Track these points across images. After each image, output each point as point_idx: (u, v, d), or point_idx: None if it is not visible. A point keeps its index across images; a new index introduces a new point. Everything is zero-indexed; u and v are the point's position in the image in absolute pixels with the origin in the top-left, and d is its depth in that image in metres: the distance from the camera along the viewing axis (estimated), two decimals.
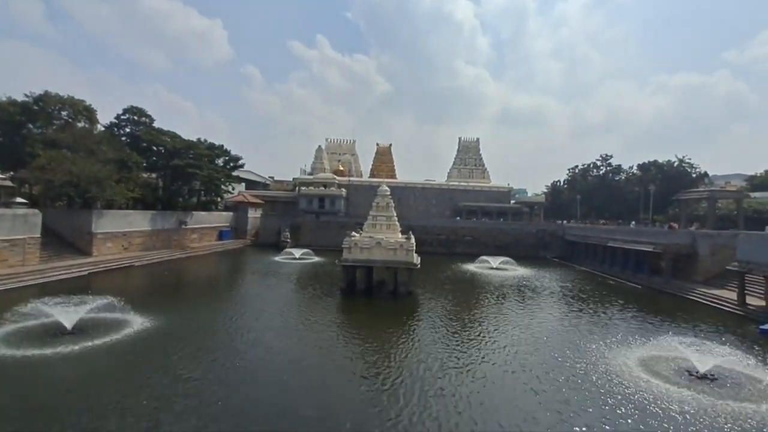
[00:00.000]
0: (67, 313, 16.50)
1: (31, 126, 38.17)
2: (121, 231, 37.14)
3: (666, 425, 10.62)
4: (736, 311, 24.24)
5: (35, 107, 37.52)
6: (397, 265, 26.09)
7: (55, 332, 15.74)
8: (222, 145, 57.40)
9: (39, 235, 28.97)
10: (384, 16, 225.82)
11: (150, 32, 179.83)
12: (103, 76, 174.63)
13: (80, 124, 40.27)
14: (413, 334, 18.25)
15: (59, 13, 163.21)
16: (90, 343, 14.86)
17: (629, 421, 10.81)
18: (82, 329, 16.19)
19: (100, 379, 12.21)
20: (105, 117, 45.97)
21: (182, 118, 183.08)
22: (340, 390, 12.26)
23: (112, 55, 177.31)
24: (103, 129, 43.66)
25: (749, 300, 24.62)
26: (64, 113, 39.94)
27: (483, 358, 15.49)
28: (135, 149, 42.76)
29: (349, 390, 12.27)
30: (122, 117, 45.64)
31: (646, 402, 11.83)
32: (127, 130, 45.84)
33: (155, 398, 11.05)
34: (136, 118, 45.99)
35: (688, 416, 11.08)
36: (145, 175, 46.30)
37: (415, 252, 26.78)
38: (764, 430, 10.52)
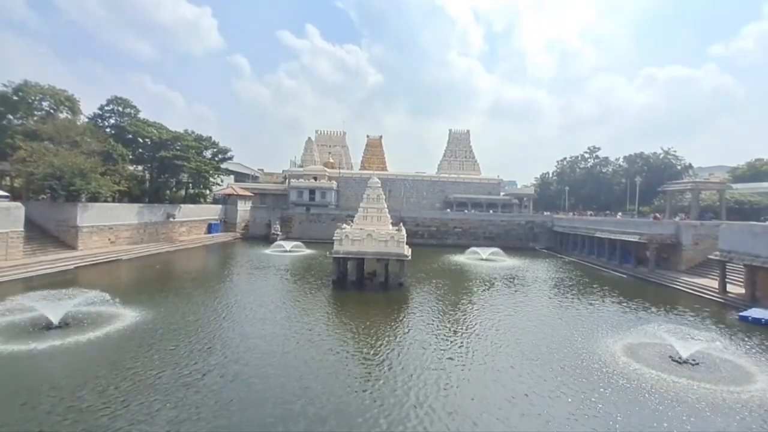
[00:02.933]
0: (53, 307, 16.23)
1: (10, 117, 37.12)
2: (107, 224, 36.52)
3: (649, 408, 10.95)
4: (717, 299, 24.95)
5: (15, 97, 36.45)
6: (388, 257, 26.20)
7: (40, 327, 15.50)
8: (210, 137, 56.61)
9: (22, 229, 28.35)
10: (375, 5, 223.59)
11: (137, 20, 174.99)
12: (87, 67, 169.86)
13: (62, 115, 39.26)
14: (405, 325, 18.41)
15: (42, 0, 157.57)
16: (78, 338, 14.65)
17: (613, 404, 11.12)
18: (69, 323, 15.98)
19: (89, 374, 12.02)
20: (89, 108, 44.80)
21: (170, 110, 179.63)
22: (335, 382, 12.30)
23: (96, 44, 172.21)
24: (86, 120, 42.64)
25: (730, 288, 25.36)
26: (45, 104, 38.89)
27: (473, 347, 15.71)
28: (120, 141, 41.92)
29: (342, 382, 12.34)
30: (106, 108, 44.62)
31: (631, 386, 12.18)
32: (112, 121, 44.89)
33: (146, 392, 10.98)
34: (120, 109, 45.00)
35: (670, 399, 11.44)
36: (131, 168, 45.49)
37: (406, 243, 26.92)
38: (740, 409, 10.93)
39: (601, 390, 12.01)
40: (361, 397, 11.16)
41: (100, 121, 44.17)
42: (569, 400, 11.40)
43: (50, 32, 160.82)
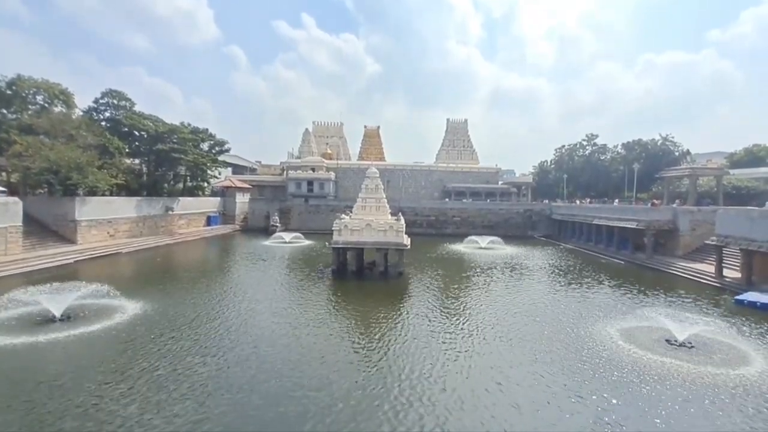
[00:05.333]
0: (54, 301, 16.30)
1: (5, 111, 36.81)
2: (106, 218, 36.49)
3: (645, 390, 11.16)
4: (714, 283, 25.21)
5: (8, 91, 36.10)
6: (388, 247, 26.32)
7: (42, 320, 15.59)
8: (207, 129, 56.10)
9: (20, 224, 28.29)
10: None
11: (131, 12, 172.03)
12: (81, 60, 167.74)
13: (57, 109, 38.90)
14: (405, 313, 18.58)
15: None
16: (80, 330, 14.76)
17: (610, 386, 11.32)
18: (71, 316, 16.07)
19: (93, 366, 12.10)
20: (83, 102, 44.29)
21: (166, 103, 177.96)
22: (337, 371, 12.47)
23: (89, 37, 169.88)
24: (81, 114, 42.26)
25: (726, 272, 25.61)
26: (39, 98, 38.52)
27: (472, 333, 15.90)
28: (116, 134, 41.62)
29: (345, 371, 12.51)
30: (101, 101, 44.14)
31: (627, 369, 12.38)
32: (107, 114, 44.44)
33: (151, 384, 11.10)
34: (115, 102, 44.53)
35: (666, 381, 11.66)
36: (128, 161, 45.26)
37: (405, 233, 27.01)
38: (735, 391, 11.15)
39: (598, 373, 12.20)
40: (359, 384, 11.34)
41: (95, 114, 43.72)
42: (566, 383, 11.58)
43: (43, 26, 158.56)
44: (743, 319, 17.73)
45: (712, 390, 11.19)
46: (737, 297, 21.11)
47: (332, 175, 67.07)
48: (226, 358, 12.88)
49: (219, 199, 58.10)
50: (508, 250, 40.95)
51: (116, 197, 40.94)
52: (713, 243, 26.03)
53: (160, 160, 48.51)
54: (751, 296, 20.58)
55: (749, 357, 13.50)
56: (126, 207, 39.70)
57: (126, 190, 44.41)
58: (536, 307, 19.99)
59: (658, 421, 9.69)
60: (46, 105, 38.57)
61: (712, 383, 11.55)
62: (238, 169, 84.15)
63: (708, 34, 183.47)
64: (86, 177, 33.43)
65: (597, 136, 78.47)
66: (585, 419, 9.71)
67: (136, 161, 49.13)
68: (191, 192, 55.02)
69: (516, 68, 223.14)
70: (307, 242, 42.97)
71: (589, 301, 21.41)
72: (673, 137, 67.78)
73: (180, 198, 48.60)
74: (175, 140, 47.02)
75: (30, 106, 38.03)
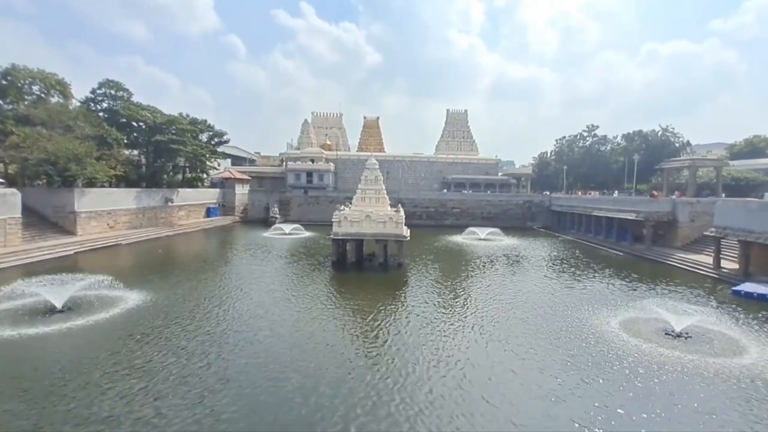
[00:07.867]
0: (55, 292, 16.37)
1: (0, 102, 36.48)
2: (105, 209, 36.45)
3: (643, 380, 11.29)
4: (712, 274, 25.36)
5: (4, 82, 35.72)
6: (387, 238, 26.37)
7: (44, 311, 15.65)
8: (205, 120, 55.82)
9: (19, 215, 28.26)
10: None
11: (129, 0, 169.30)
12: (78, 50, 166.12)
13: (54, 100, 38.57)
14: (404, 304, 18.72)
15: None
16: (83, 321, 14.85)
17: (609, 377, 11.47)
18: (72, 307, 16.14)
19: (95, 357, 12.16)
20: (80, 92, 43.91)
21: (164, 94, 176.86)
22: (337, 361, 12.59)
23: (86, 26, 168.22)
24: (78, 104, 41.92)
25: (724, 264, 25.76)
26: (35, 88, 38.10)
27: (471, 324, 16.01)
28: (114, 125, 41.33)
29: (344, 362, 12.62)
30: (98, 91, 43.76)
31: (626, 360, 12.52)
32: (104, 105, 44.09)
33: (153, 374, 11.19)
34: (113, 92, 44.15)
35: (663, 371, 11.80)
36: (126, 152, 45.02)
37: (405, 224, 27.04)
38: (731, 380, 11.29)
39: (597, 363, 12.33)
40: (359, 377, 11.45)
41: (92, 105, 43.38)
42: (566, 373, 11.71)
43: (38, 14, 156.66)
44: (739, 309, 17.85)
45: (708, 379, 11.33)
46: (734, 288, 21.26)
47: (331, 166, 66.87)
48: (226, 350, 12.96)
49: (218, 190, 58.00)
50: (507, 241, 41.05)
51: (115, 188, 40.85)
52: (712, 234, 26.12)
53: (159, 151, 48.27)
54: (748, 287, 20.74)
55: (745, 347, 13.64)
56: (125, 198, 39.63)
57: (125, 181, 44.25)
58: (534, 298, 20.09)
59: (655, 411, 9.81)
60: (43, 95, 38.18)
61: (708, 373, 11.68)
62: (237, 160, 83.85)
63: (711, 24, 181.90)
64: (85, 168, 33.30)
65: (597, 127, 78.09)
66: (582, 410, 9.84)
67: (135, 152, 48.86)
68: (190, 183, 54.85)
69: (518, 58, 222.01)
70: (306, 233, 42.99)
71: (588, 293, 21.52)
72: (673, 128, 67.54)
73: (179, 189, 48.53)
74: (173, 131, 46.76)
75: (26, 97, 37.64)
